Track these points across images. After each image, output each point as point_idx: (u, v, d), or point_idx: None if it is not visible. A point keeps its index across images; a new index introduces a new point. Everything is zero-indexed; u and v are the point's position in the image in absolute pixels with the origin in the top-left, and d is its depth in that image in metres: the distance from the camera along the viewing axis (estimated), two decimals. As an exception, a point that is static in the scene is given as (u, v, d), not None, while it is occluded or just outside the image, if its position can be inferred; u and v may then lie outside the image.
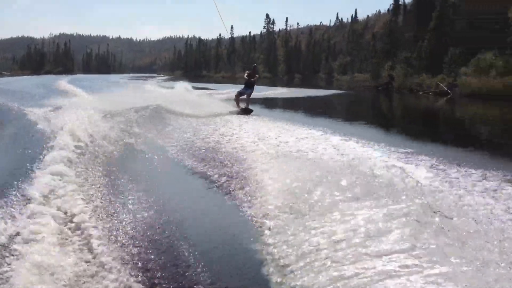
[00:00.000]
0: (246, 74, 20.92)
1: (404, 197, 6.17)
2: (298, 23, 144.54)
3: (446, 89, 37.27)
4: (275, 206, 6.30)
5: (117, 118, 14.72)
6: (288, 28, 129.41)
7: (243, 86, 20.31)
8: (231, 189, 7.55)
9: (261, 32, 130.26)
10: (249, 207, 6.61)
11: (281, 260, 4.79)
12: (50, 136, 10.52)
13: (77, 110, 14.22)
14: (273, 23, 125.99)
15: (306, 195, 6.48)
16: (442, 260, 4.32)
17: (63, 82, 43.63)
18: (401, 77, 47.40)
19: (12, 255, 4.68)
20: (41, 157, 8.46)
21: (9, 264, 4.48)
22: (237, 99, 19.81)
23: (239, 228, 6.04)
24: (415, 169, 8.20)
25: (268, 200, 6.62)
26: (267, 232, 5.61)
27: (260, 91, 31.03)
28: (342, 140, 11.41)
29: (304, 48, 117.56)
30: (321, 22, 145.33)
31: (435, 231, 5.00)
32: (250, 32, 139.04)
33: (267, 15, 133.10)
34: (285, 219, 5.86)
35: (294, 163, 8.60)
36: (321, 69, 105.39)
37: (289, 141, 11.22)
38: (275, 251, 5.03)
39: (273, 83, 76.73)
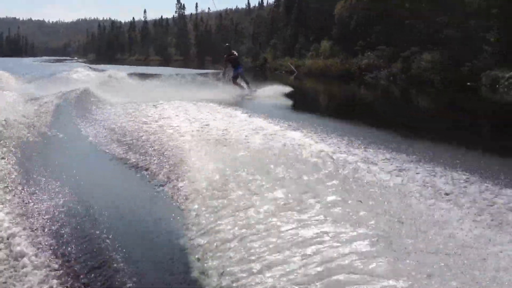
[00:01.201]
0: (225, 57, 21.24)
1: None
2: (209, 8, 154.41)
3: (293, 68, 50.20)
4: (201, 190, 6.25)
5: (40, 103, 15.67)
6: (199, 12, 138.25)
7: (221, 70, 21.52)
8: (154, 175, 7.53)
9: (173, 16, 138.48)
10: (174, 192, 6.58)
11: (204, 248, 4.78)
12: None
13: None
14: (184, 8, 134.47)
15: (231, 180, 6.40)
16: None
17: None
18: (271, 60, 60.31)
19: None
20: None
21: None
22: (235, 83, 20.46)
23: (162, 214, 6.01)
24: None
25: (193, 184, 6.57)
26: (191, 218, 5.59)
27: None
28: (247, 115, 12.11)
29: (213, 32, 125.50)
30: (237, 6, 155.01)
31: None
32: (161, 16, 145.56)
33: (178, 0, 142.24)
34: (210, 203, 5.83)
35: (220, 147, 8.51)
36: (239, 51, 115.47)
37: (213, 124, 10.94)
38: (199, 239, 5.01)
39: (186, 65, 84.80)
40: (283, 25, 62.94)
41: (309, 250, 4.26)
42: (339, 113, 19.95)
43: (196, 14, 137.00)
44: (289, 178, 6.26)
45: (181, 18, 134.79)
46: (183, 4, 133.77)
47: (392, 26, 38.01)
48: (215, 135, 9.57)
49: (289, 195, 5.59)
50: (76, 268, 4.50)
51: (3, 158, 8.41)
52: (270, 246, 4.46)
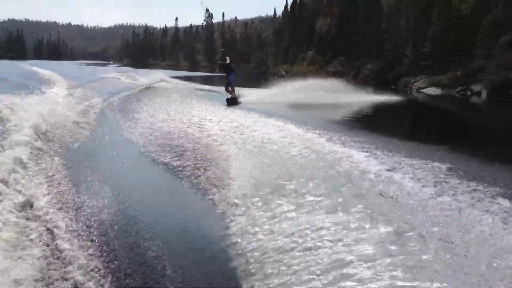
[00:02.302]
0: (218, 63, 22.35)
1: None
2: (236, 17, 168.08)
3: (284, 73, 62.55)
4: (242, 196, 6.76)
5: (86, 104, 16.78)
6: (226, 21, 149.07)
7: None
8: (196, 179, 8.00)
9: (202, 24, 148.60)
10: (215, 197, 7.04)
11: (247, 253, 5.17)
12: (15, 124, 10.87)
13: (49, 96, 16.72)
14: (212, 16, 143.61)
15: (272, 186, 6.94)
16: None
17: (40, 69, 46.47)
18: (271, 66, 72.89)
19: None
20: (5, 143, 8.96)
21: None
22: (227, 90, 21.05)
23: (204, 217, 6.52)
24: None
25: (234, 190, 7.09)
26: (232, 224, 6.01)
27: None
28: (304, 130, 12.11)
29: (239, 39, 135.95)
30: (267, 15, 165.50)
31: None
32: (191, 24, 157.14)
33: (207, 9, 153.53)
34: (250, 209, 6.29)
35: (261, 154, 9.15)
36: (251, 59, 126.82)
37: (253, 132, 11.66)
38: (241, 244, 5.40)
39: (212, 70, 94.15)
40: (282, 36, 75.54)
41: (348, 270, 4.49)
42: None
43: (223, 22, 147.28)
44: (327, 189, 6.62)
45: (208, 26, 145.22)
46: (211, 13, 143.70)
47: (349, 42, 50.31)
48: (256, 143, 10.10)
49: (328, 206, 5.95)
50: (119, 266, 4.83)
51: (53, 156, 9.13)
52: (310, 257, 4.76)
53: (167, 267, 4.88)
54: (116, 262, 4.97)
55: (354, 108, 21.41)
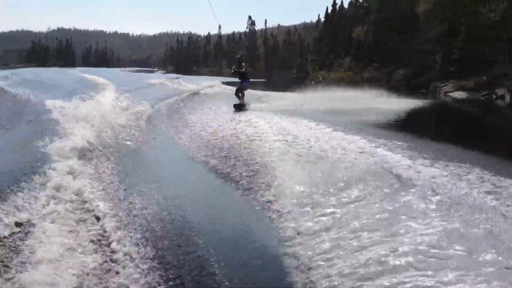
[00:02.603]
0: (233, 68, 21.48)
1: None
2: (279, 24, 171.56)
3: (321, 79, 65.80)
4: (293, 204, 6.78)
5: (136, 110, 17.23)
6: (269, 28, 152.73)
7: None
8: (246, 184, 8.17)
9: (245, 31, 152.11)
10: (264, 202, 7.18)
11: (302, 259, 5.19)
12: (70, 127, 11.62)
13: (99, 101, 17.23)
14: (254, 24, 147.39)
15: (323, 193, 6.94)
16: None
17: (94, 77, 46.69)
18: (310, 72, 76.26)
19: (30, 239, 5.33)
20: (56, 147, 9.22)
21: (28, 246, 5.10)
22: (237, 95, 20.78)
23: (252, 219, 6.64)
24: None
25: (285, 197, 7.14)
26: (281, 226, 6.16)
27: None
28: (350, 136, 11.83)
29: (281, 46, 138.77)
30: (311, 21, 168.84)
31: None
32: (234, 32, 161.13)
33: (250, 17, 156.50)
34: (303, 217, 6.28)
35: (311, 159, 9.16)
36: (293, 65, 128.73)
37: (302, 136, 11.73)
38: (295, 249, 5.45)
39: (253, 76, 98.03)
40: (321, 43, 78.89)
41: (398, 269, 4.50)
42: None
43: (266, 29, 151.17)
44: (376, 196, 6.55)
45: (251, 33, 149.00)
46: (254, 21, 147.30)
47: (383, 49, 53.33)
48: (303, 148, 10.13)
49: (377, 214, 5.85)
50: (170, 267, 4.97)
51: (104, 159, 9.63)
52: (361, 261, 4.78)
53: (216, 269, 4.98)
54: (167, 262, 5.14)
55: (393, 113, 21.59)
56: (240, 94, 20.71)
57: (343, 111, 21.47)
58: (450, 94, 41.55)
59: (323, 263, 5.01)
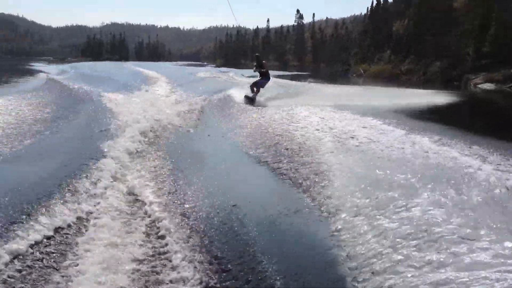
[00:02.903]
0: (254, 67, 21.57)
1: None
2: (327, 17, 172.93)
3: (362, 71, 68.49)
4: (344, 201, 6.57)
5: (188, 103, 17.46)
6: (317, 21, 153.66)
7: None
8: (298, 180, 8.01)
9: (293, 25, 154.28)
10: (316, 199, 6.97)
11: (351, 258, 5.05)
12: (124, 119, 12.11)
13: (153, 94, 18.40)
14: (302, 17, 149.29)
15: (376, 191, 6.64)
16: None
17: (147, 70, 47.63)
18: (353, 65, 78.83)
19: (82, 235, 5.55)
20: (111, 141, 9.80)
21: (77, 244, 5.30)
22: (251, 88, 20.93)
23: (307, 216, 6.48)
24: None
25: (336, 193, 6.90)
26: (336, 227, 5.88)
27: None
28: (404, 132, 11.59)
29: (328, 40, 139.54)
30: (360, 13, 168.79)
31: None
32: (281, 25, 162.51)
33: (298, 11, 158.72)
34: (355, 215, 6.07)
35: (360, 155, 8.94)
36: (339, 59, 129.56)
37: (353, 131, 11.54)
38: (345, 248, 5.27)
39: (301, 69, 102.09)
40: (364, 36, 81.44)
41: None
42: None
43: (313, 22, 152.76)
44: (435, 196, 6.22)
45: (299, 26, 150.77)
46: (302, 14, 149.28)
47: (421, 42, 55.84)
48: (356, 145, 10.01)
49: (437, 214, 5.54)
50: (221, 266, 4.94)
51: (157, 152, 9.92)
52: (425, 258, 4.60)
53: (268, 267, 4.91)
54: (218, 257, 5.15)
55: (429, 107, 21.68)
56: (255, 88, 20.82)
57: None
58: (479, 86, 43.91)
59: (382, 258, 4.87)
